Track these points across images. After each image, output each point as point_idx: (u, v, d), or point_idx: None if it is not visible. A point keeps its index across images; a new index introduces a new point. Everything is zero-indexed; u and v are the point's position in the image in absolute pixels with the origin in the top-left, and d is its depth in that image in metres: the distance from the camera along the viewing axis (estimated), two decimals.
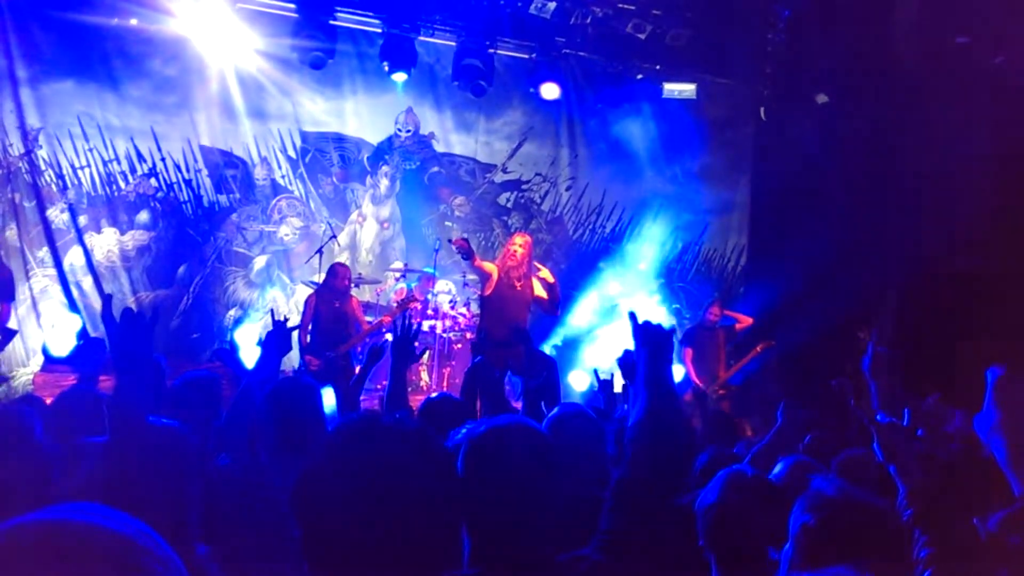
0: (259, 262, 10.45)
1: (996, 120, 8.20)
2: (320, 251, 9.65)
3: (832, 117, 10.55)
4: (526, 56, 10.84)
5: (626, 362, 3.36)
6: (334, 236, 10.27)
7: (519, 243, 8.04)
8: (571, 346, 10.68)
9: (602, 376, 5.05)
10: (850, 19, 9.15)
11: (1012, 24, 8.05)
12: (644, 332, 2.30)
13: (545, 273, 8.13)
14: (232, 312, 10.26)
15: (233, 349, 4.03)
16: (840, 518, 2.11)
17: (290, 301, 10.42)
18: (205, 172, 10.22)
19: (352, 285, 8.91)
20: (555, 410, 3.41)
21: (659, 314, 10.75)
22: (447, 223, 11.25)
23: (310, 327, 8.40)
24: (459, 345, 9.71)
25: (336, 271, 8.63)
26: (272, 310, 4.35)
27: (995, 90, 8.42)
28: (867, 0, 9.03)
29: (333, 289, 8.53)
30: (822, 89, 10.65)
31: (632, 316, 2.39)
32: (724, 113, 11.69)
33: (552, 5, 9.74)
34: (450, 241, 8.38)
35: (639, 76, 10.84)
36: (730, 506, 2.49)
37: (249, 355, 3.78)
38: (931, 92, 8.94)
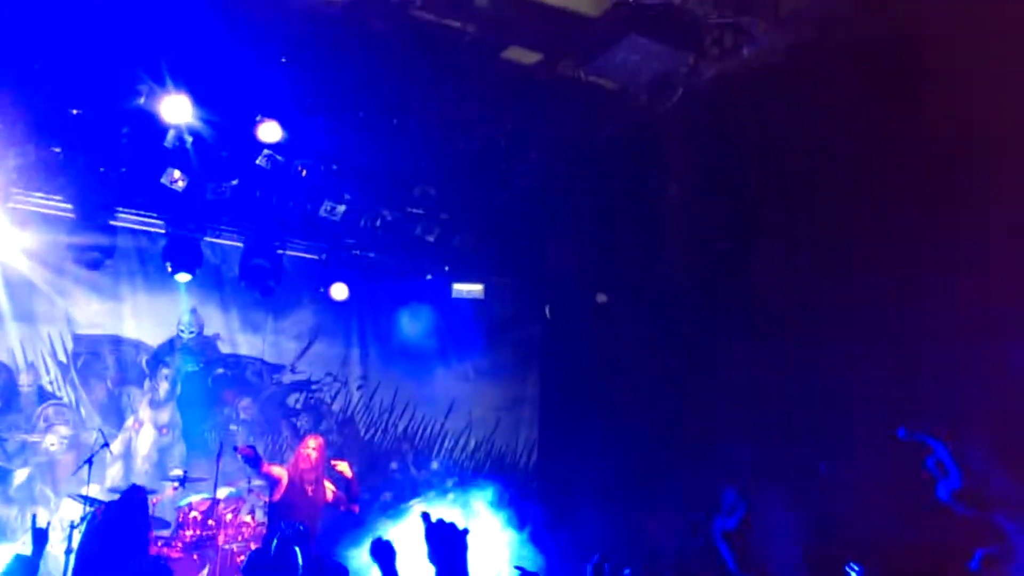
0: (19, 476, 9.56)
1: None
2: (90, 461, 8.86)
3: (612, 316, 11.14)
4: (315, 257, 10.89)
5: (377, 552, 3.24)
6: (106, 444, 9.52)
7: (312, 446, 8.23)
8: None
9: None
10: (625, 227, 9.88)
11: None
12: (437, 532, 2.28)
13: (343, 467, 8.30)
14: None
15: None
16: None
17: (54, 517, 9.45)
18: None
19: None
20: None
21: (454, 515, 10.51)
22: (232, 427, 10.78)
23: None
24: (242, 558, 9.05)
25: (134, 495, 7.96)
26: (35, 526, 3.94)
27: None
28: (643, 210, 9.76)
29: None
30: (601, 289, 11.27)
31: (425, 517, 2.39)
32: (511, 312, 12.11)
33: (342, 208, 9.90)
34: (235, 449, 8.19)
35: (428, 276, 11.10)
36: None
37: None
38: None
